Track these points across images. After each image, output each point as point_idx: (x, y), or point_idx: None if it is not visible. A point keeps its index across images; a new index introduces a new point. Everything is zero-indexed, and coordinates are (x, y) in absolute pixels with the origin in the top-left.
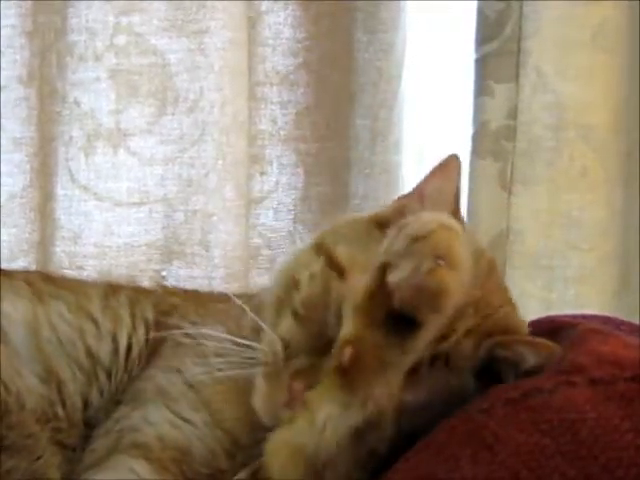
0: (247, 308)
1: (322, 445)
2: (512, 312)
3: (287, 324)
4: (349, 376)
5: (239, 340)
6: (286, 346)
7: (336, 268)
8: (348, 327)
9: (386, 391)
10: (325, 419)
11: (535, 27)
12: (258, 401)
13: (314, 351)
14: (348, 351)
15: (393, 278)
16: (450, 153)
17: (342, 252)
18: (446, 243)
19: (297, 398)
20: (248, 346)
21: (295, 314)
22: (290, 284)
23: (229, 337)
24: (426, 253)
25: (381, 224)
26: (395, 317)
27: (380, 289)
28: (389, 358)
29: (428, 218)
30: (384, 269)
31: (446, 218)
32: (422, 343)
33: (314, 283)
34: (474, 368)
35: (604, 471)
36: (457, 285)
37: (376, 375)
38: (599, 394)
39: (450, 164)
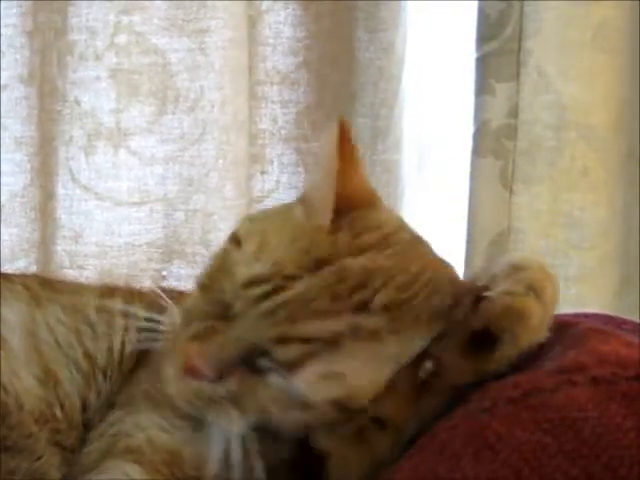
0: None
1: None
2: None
3: (192, 297)
4: (426, 389)
5: (147, 314)
6: (186, 316)
7: (235, 240)
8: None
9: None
10: (408, 434)
11: (536, 27)
12: (169, 385)
13: (211, 317)
14: (429, 365)
15: (487, 294)
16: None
17: (243, 227)
18: (541, 280)
19: (192, 362)
20: (156, 321)
21: (200, 287)
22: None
23: (139, 313)
24: (521, 281)
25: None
26: (475, 339)
27: (472, 310)
28: (462, 379)
29: (531, 257)
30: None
31: (544, 263)
32: (493, 367)
33: (217, 257)
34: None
35: (606, 470)
36: (538, 319)
37: (448, 391)
38: (601, 393)
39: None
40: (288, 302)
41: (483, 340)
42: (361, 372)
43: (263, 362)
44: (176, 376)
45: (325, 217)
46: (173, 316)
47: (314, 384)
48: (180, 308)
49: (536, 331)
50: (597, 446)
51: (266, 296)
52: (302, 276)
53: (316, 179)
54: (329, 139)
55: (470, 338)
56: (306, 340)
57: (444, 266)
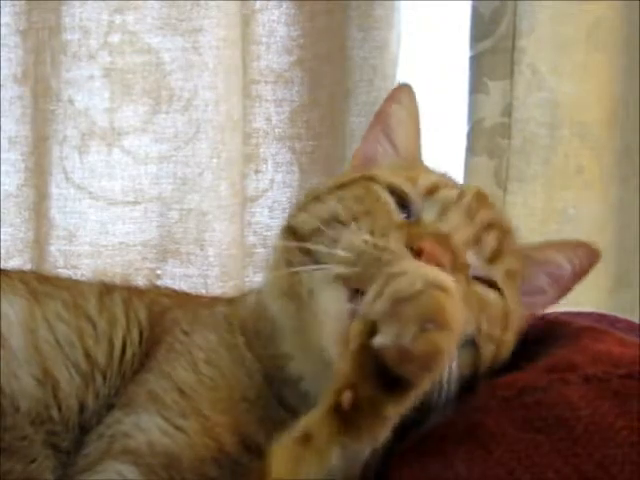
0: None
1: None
2: None
3: (362, 223)
4: (351, 421)
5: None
6: (374, 231)
7: (369, 178)
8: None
9: (382, 432)
10: (335, 461)
11: (530, 25)
12: (330, 314)
13: (402, 227)
14: (348, 396)
15: (378, 342)
16: (401, 85)
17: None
18: (434, 305)
19: (433, 251)
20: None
21: (355, 219)
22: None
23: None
24: (412, 317)
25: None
26: (384, 372)
27: (366, 349)
28: (382, 411)
29: (413, 274)
30: (368, 328)
31: (433, 272)
32: (414, 397)
33: (357, 194)
34: None
35: (598, 468)
36: (447, 346)
37: (374, 422)
38: (593, 391)
39: (405, 100)
40: (472, 199)
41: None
42: None
43: (470, 257)
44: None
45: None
46: (350, 239)
47: (504, 281)
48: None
49: (448, 356)
50: (590, 444)
51: (460, 197)
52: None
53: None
54: (403, 103)
55: (382, 373)
56: (492, 225)
57: None
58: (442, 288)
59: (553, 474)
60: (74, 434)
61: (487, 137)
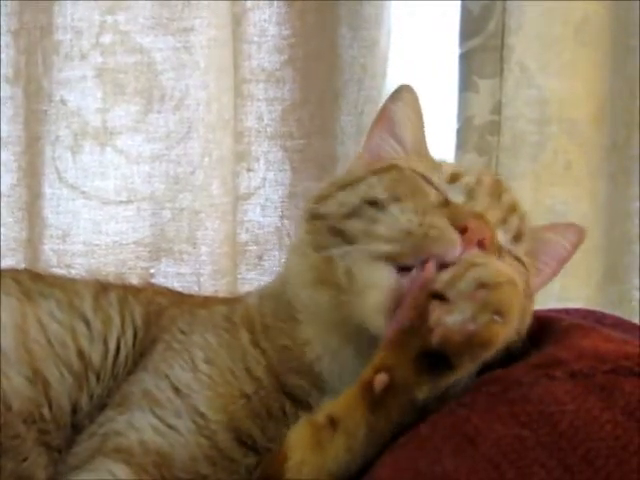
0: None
1: (352, 467)
2: None
3: (405, 204)
4: (381, 403)
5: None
6: (418, 211)
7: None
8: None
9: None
10: (360, 446)
11: (518, 23)
12: (375, 295)
13: (440, 207)
14: (382, 378)
15: (445, 316)
16: (402, 85)
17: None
18: (509, 300)
19: (483, 233)
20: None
21: (396, 199)
22: (362, 207)
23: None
24: (488, 305)
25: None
26: (430, 354)
27: (423, 321)
28: (415, 394)
29: (499, 268)
30: (430, 298)
31: (513, 272)
32: (451, 382)
33: (390, 177)
34: None
35: (583, 462)
36: (503, 341)
37: (405, 406)
38: (578, 386)
39: (407, 98)
40: (493, 183)
41: (438, 357)
42: None
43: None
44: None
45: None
46: (399, 220)
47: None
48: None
49: (497, 349)
50: (574, 438)
51: (479, 182)
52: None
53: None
54: (405, 101)
55: (423, 354)
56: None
57: None
58: (518, 289)
59: (538, 468)
60: (66, 433)
61: (477, 134)
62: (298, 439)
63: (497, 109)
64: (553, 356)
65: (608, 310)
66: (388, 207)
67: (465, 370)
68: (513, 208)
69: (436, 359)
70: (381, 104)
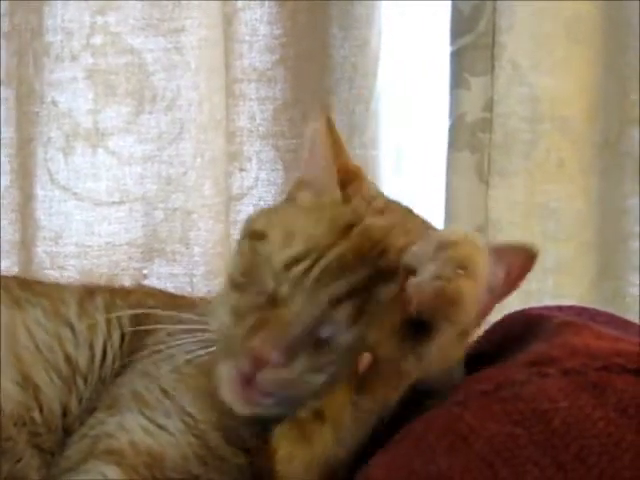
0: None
1: (342, 454)
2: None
3: (231, 297)
4: (366, 382)
5: (192, 319)
6: (235, 313)
7: (257, 235)
8: (372, 335)
9: (398, 392)
10: (350, 431)
11: (509, 22)
12: (225, 390)
13: (260, 308)
14: (367, 357)
15: (414, 281)
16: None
17: (259, 222)
18: (469, 255)
19: (259, 352)
20: (203, 330)
21: (236, 286)
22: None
23: (184, 327)
24: (449, 261)
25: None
26: (410, 324)
27: (401, 293)
28: (401, 365)
29: (456, 230)
30: (408, 273)
31: (472, 233)
32: (434, 350)
33: (244, 255)
34: None
35: (576, 459)
36: (472, 297)
37: (391, 380)
38: (571, 384)
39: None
40: (329, 268)
41: (417, 326)
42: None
43: (325, 331)
44: (237, 384)
45: (336, 191)
46: (221, 318)
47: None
48: (222, 310)
49: (471, 308)
50: (567, 436)
51: (309, 269)
52: (336, 242)
53: (314, 163)
54: (317, 129)
55: (404, 325)
56: (351, 293)
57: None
58: (477, 246)
59: (532, 466)
60: (57, 436)
61: (469, 132)
62: (283, 433)
63: (489, 106)
64: (545, 354)
65: (602, 307)
66: (230, 293)
67: (443, 331)
68: (338, 299)
69: (416, 327)
70: (373, 103)
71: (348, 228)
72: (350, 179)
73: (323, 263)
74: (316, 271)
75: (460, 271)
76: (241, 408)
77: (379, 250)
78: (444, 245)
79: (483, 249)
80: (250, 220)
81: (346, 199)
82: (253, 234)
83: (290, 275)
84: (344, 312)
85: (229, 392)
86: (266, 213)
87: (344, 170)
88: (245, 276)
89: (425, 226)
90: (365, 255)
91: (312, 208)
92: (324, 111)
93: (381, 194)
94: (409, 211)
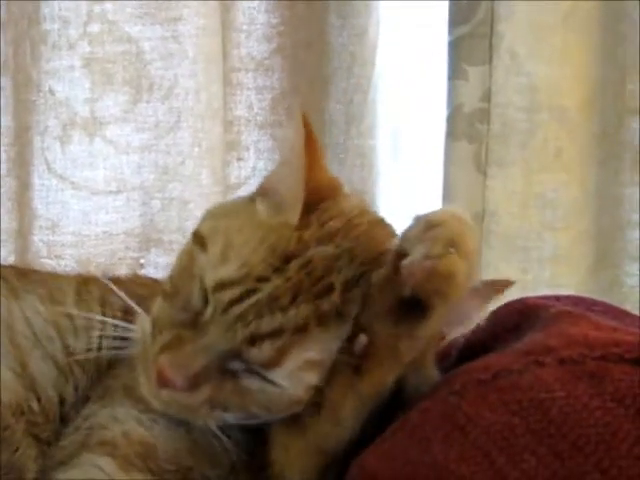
0: (119, 291)
1: (343, 439)
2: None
3: (157, 304)
4: (362, 364)
5: (116, 322)
6: (155, 325)
7: (199, 241)
8: (366, 317)
9: (395, 374)
10: (348, 416)
11: (508, 10)
12: (143, 387)
13: (180, 325)
14: (362, 339)
15: (406, 262)
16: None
17: (205, 226)
18: (458, 233)
19: (164, 373)
20: (126, 328)
21: (164, 293)
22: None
23: (107, 320)
24: (439, 239)
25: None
26: (405, 305)
27: (394, 276)
28: (397, 346)
29: (444, 209)
30: (399, 256)
31: (461, 211)
32: (429, 331)
33: (181, 260)
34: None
35: (573, 448)
36: (464, 275)
37: (389, 362)
38: (568, 373)
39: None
40: (257, 304)
41: (412, 306)
42: (330, 352)
43: (236, 365)
44: (150, 386)
45: (295, 214)
46: (143, 324)
47: (293, 377)
48: (147, 317)
49: (463, 286)
50: (564, 425)
51: (237, 300)
52: (270, 277)
53: (282, 173)
54: (293, 134)
55: (398, 306)
56: (275, 334)
57: None
58: (465, 223)
59: (529, 455)
60: (55, 425)
61: (466, 122)
62: (279, 422)
63: (487, 96)
64: (542, 343)
65: (598, 296)
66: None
67: (439, 311)
68: (258, 338)
69: (411, 308)
70: (370, 93)
71: (286, 260)
72: (322, 197)
73: (253, 299)
74: (242, 306)
75: (451, 249)
76: (160, 405)
77: (322, 286)
78: (432, 225)
79: (471, 226)
80: (202, 217)
81: (303, 225)
82: (197, 237)
83: (216, 300)
84: (260, 353)
85: (146, 390)
86: (216, 215)
87: (316, 187)
88: (176, 287)
89: (390, 241)
90: (303, 292)
91: (261, 225)
92: (302, 115)
93: (353, 208)
94: (376, 223)
